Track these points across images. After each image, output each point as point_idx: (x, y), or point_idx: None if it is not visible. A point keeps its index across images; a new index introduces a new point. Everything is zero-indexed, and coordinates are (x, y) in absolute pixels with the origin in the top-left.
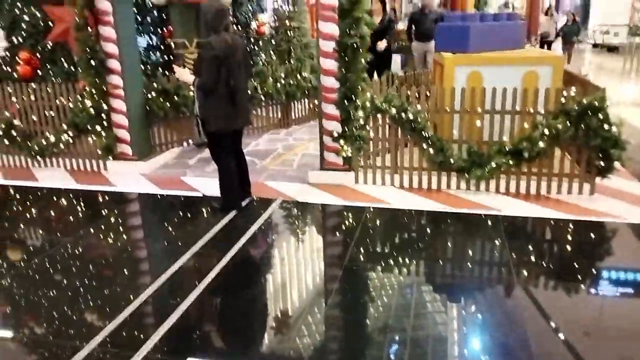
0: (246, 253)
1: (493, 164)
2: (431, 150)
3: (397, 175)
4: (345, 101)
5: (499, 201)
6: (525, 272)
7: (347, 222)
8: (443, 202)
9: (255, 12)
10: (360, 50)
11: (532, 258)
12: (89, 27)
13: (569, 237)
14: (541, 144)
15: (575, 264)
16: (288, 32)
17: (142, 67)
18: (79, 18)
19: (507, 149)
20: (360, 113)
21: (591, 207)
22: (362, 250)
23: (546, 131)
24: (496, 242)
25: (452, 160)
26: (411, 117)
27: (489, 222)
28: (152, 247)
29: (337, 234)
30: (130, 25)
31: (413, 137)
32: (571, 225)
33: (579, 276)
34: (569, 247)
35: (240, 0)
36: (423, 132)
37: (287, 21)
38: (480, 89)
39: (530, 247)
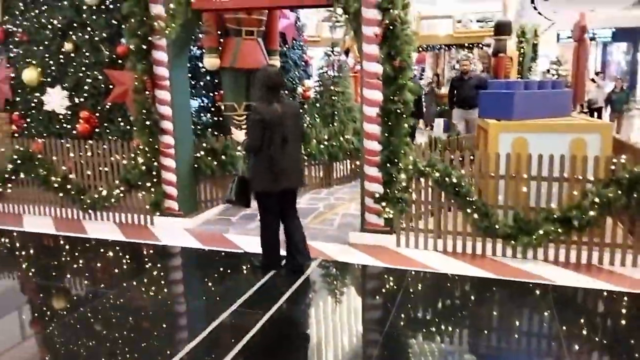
0: (285, 313)
1: (541, 232)
2: (475, 215)
3: (440, 240)
4: (388, 164)
5: (547, 270)
6: (576, 347)
7: (388, 286)
8: (488, 269)
9: (302, 77)
10: (404, 115)
11: (584, 332)
12: (146, 91)
13: (623, 311)
14: (591, 213)
15: (630, 339)
16: (332, 96)
17: (193, 128)
18: (138, 82)
19: (556, 217)
20: (403, 176)
21: None
22: (404, 316)
23: (596, 200)
24: (545, 313)
25: (497, 226)
26: (455, 181)
27: (537, 292)
28: (193, 302)
29: (378, 297)
30: (184, 90)
31: (457, 201)
32: (625, 299)
33: (635, 353)
34: (623, 322)
35: (288, 67)
36: (467, 197)
37: (331, 86)
38: (526, 155)
39: (582, 320)
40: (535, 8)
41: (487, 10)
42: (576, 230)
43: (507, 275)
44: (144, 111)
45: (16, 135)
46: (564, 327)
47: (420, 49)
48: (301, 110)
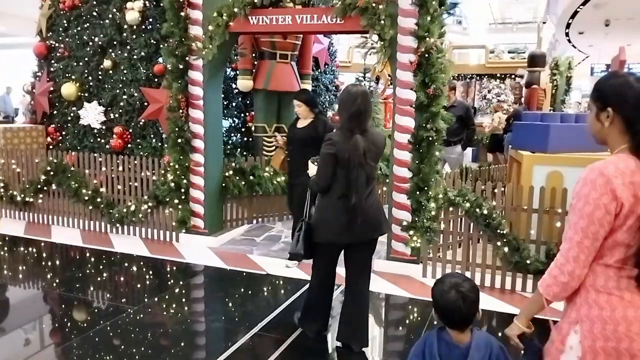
0: (305, 339)
1: None
2: (506, 249)
3: (467, 272)
4: (417, 192)
5: None
6: None
7: (412, 317)
8: (517, 305)
9: (333, 102)
10: (436, 143)
11: None
12: (180, 109)
13: None
14: None
15: None
16: None
17: (223, 147)
18: (173, 100)
19: None
20: (432, 204)
21: None
22: None
23: None
24: None
25: (528, 261)
26: (486, 212)
27: None
28: (213, 323)
29: (402, 328)
30: (217, 109)
31: (487, 233)
32: None
33: None
34: None
35: (319, 90)
36: (498, 229)
37: None
38: (560, 189)
39: None
40: (569, 41)
41: (519, 42)
42: None
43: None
44: (177, 129)
45: (51, 147)
46: None
47: (452, 78)
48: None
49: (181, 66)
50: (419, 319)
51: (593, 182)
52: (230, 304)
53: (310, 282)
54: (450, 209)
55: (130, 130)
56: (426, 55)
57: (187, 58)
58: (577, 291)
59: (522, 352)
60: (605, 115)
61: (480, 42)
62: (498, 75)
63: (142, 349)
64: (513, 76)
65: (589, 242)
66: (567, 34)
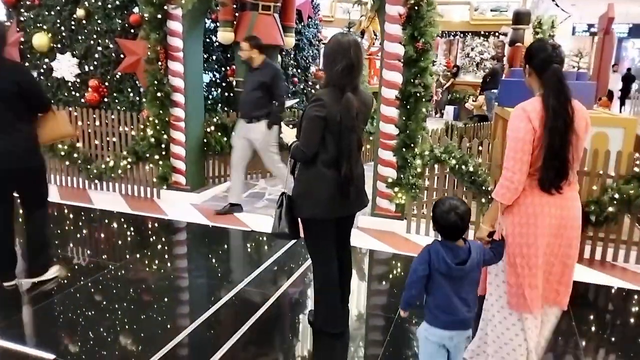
0: (289, 296)
1: None
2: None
3: None
4: (404, 148)
5: None
6: (589, 344)
7: (395, 271)
8: None
9: (316, 57)
10: (424, 99)
11: (598, 329)
12: (159, 62)
13: (635, 309)
14: (610, 209)
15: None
16: None
17: (203, 102)
18: (152, 52)
19: None
20: (418, 161)
21: None
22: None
23: (616, 195)
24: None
25: None
26: (471, 169)
27: None
28: (198, 279)
29: (385, 282)
30: (197, 62)
31: (471, 190)
32: (637, 297)
33: None
34: (633, 320)
35: (302, 44)
36: (483, 186)
37: None
38: None
39: (596, 317)
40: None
41: (501, 0)
42: (593, 226)
43: None
44: (156, 82)
45: None
46: (578, 324)
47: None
48: (313, 91)
49: (159, 16)
50: (402, 273)
51: (517, 116)
52: (214, 261)
53: (316, 268)
54: (436, 166)
55: (107, 84)
56: (416, 7)
57: (165, 7)
58: None
59: (489, 246)
60: (527, 70)
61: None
62: (482, 32)
63: (125, 305)
64: (497, 34)
65: (523, 155)
66: None
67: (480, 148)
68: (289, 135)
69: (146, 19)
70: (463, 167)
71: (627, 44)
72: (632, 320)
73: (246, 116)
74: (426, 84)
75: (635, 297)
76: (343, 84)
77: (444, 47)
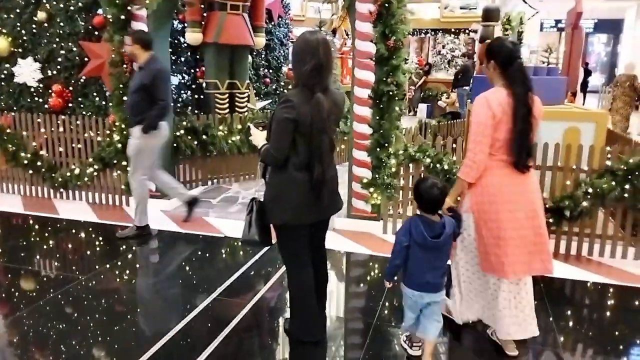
0: (265, 303)
1: None
2: None
3: None
4: (378, 148)
5: None
6: (567, 338)
7: (373, 273)
8: None
9: (287, 56)
10: (397, 98)
11: (575, 324)
12: (124, 64)
13: (611, 303)
14: (584, 203)
15: (616, 331)
16: None
17: (172, 105)
18: (116, 54)
19: (547, 206)
20: (393, 161)
21: (636, 273)
22: (388, 304)
23: (590, 190)
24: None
25: None
26: (447, 167)
27: None
28: (170, 289)
29: (363, 285)
30: (164, 64)
31: (447, 188)
32: (612, 290)
33: (620, 345)
34: (610, 314)
35: (273, 44)
36: None
37: None
38: None
39: (573, 312)
40: None
41: None
42: (567, 221)
43: None
44: (121, 85)
45: None
46: (555, 319)
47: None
48: (285, 91)
49: (123, 17)
50: (379, 275)
51: (480, 103)
52: (187, 269)
53: (291, 277)
54: (411, 165)
55: (71, 88)
56: (386, 5)
57: (129, 8)
58: None
59: (452, 217)
60: (492, 65)
61: None
62: (452, 30)
63: (97, 317)
64: (467, 31)
65: (483, 138)
66: None
67: (454, 145)
68: (259, 138)
69: (110, 20)
70: (438, 165)
71: (593, 39)
72: (608, 314)
73: (129, 120)
74: (399, 82)
75: (611, 290)
76: (312, 84)
77: (416, 45)
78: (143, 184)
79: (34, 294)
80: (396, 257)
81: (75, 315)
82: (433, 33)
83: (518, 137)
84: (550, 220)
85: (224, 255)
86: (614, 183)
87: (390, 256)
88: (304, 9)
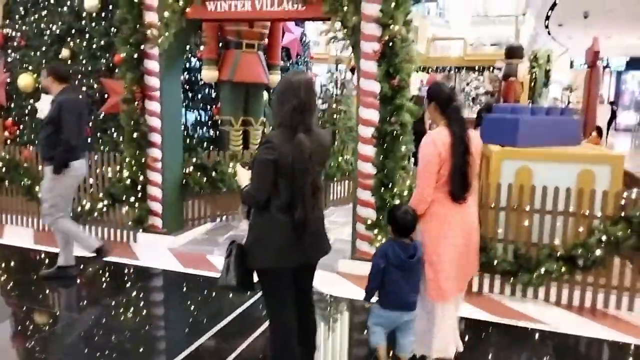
0: (256, 348)
1: (542, 270)
2: None
3: None
4: (382, 188)
5: (548, 313)
6: None
7: None
8: (483, 308)
9: None
10: (401, 137)
11: None
12: (135, 101)
13: None
14: (598, 252)
15: None
16: (334, 114)
17: (188, 142)
18: (128, 92)
19: (559, 254)
20: (397, 202)
21: None
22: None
23: (604, 238)
24: None
25: (496, 262)
26: None
27: (536, 338)
28: (164, 329)
29: (366, 332)
30: (176, 101)
31: None
32: (632, 349)
33: None
34: None
35: None
36: None
37: (334, 104)
38: (529, 186)
39: None
40: (549, 33)
41: (501, 35)
42: (581, 270)
43: (504, 316)
44: (132, 122)
45: (9, 142)
46: None
47: (431, 70)
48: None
49: (136, 55)
50: None
51: (427, 143)
52: (180, 310)
53: (272, 322)
54: None
55: (91, 124)
56: (390, 44)
57: (142, 47)
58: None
59: None
60: (433, 106)
61: (462, 35)
62: (476, 67)
63: (96, 355)
64: (491, 68)
65: (430, 175)
66: (546, 27)
67: None
68: (244, 177)
69: (123, 58)
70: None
71: (627, 77)
72: None
73: (40, 158)
74: (403, 122)
75: (632, 350)
76: (295, 125)
77: None
78: (65, 224)
79: (33, 331)
80: (374, 278)
81: (74, 350)
82: (457, 70)
83: (457, 172)
84: (562, 269)
85: (219, 297)
86: (629, 231)
87: (368, 278)
88: (328, 48)
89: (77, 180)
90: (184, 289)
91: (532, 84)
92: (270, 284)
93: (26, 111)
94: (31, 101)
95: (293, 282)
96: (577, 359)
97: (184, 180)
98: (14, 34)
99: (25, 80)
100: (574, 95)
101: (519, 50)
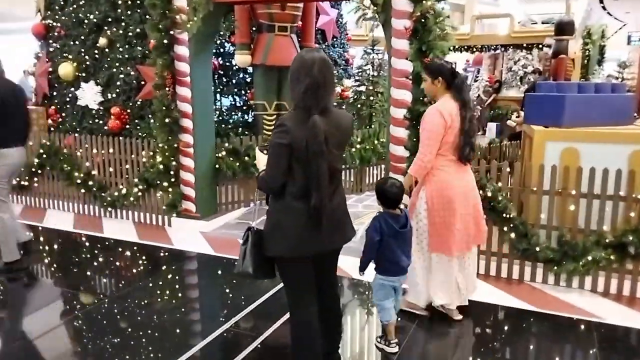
0: (280, 336)
1: (589, 258)
2: (513, 235)
3: None
4: None
5: (594, 304)
6: None
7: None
8: (524, 298)
9: (342, 77)
10: None
11: None
12: (166, 87)
13: None
14: None
15: None
16: (370, 97)
17: (223, 127)
18: (159, 78)
19: (608, 241)
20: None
21: None
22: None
23: None
24: (589, 354)
25: (538, 249)
26: (490, 194)
27: (581, 329)
28: (186, 314)
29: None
30: (206, 86)
31: (492, 217)
32: None
33: None
34: None
35: None
36: (504, 213)
37: (370, 86)
38: (575, 168)
39: None
40: (604, 8)
41: (552, 12)
42: (631, 259)
43: (546, 307)
44: (164, 108)
45: (52, 129)
46: None
47: (476, 50)
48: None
49: (166, 41)
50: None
51: (433, 113)
52: (209, 294)
53: (292, 315)
54: None
55: (128, 111)
56: (422, 20)
57: (171, 32)
58: (427, 172)
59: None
60: (438, 81)
61: (511, 13)
62: (524, 45)
63: (115, 341)
64: (540, 46)
65: (434, 142)
66: (601, 1)
67: (508, 170)
68: (262, 162)
69: (154, 44)
70: (480, 192)
71: None
72: None
73: None
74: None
75: None
76: (308, 106)
77: (488, 62)
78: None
79: (64, 311)
80: (370, 251)
81: (98, 332)
82: (504, 49)
83: (464, 136)
84: (612, 257)
85: (248, 281)
86: None
87: (363, 251)
88: (366, 29)
89: (8, 169)
90: (216, 271)
91: (585, 61)
92: (287, 272)
93: (67, 99)
94: (72, 89)
95: (314, 270)
96: (626, 351)
97: (217, 165)
98: (54, 24)
99: (65, 69)
100: (627, 72)
101: (570, 26)
